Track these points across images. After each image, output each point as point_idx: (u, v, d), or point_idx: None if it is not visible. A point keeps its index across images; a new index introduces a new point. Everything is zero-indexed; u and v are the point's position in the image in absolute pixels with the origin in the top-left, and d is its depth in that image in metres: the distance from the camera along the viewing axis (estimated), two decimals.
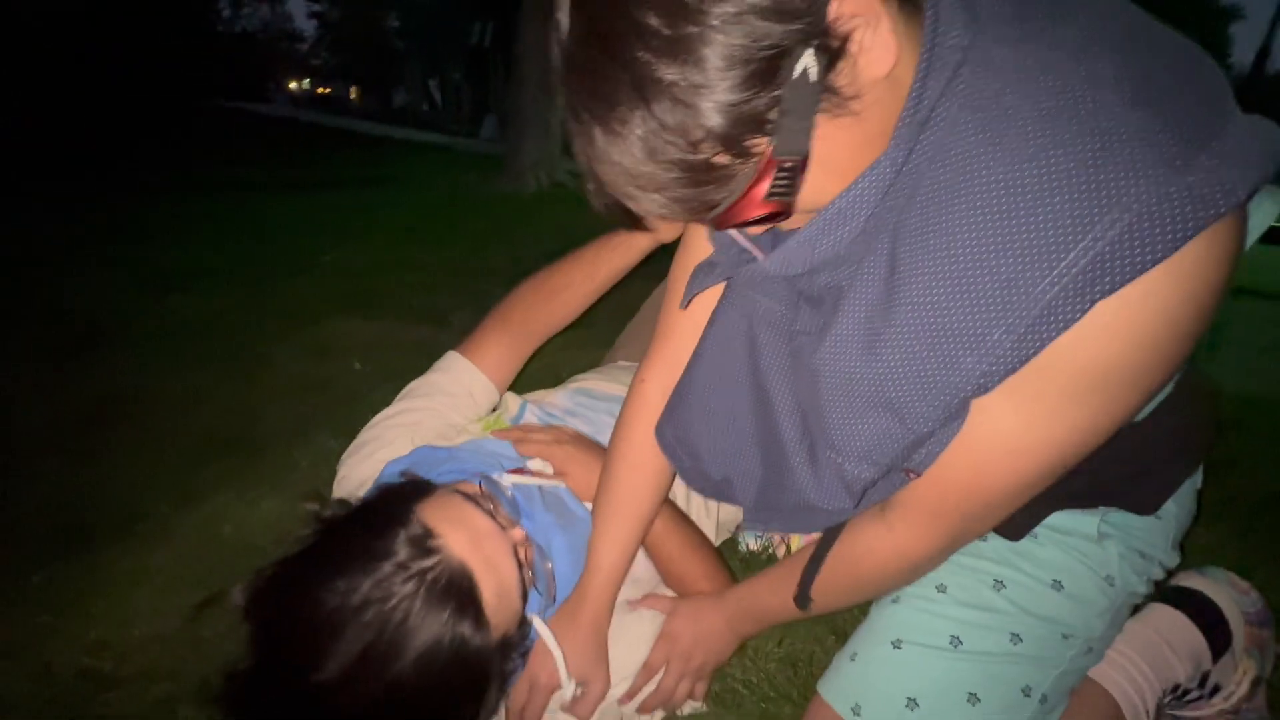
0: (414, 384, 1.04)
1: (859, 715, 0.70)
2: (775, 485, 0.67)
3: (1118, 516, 0.73)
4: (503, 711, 0.79)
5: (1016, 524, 0.67)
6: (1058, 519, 0.71)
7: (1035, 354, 0.45)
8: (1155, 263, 0.41)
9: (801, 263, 0.53)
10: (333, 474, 0.96)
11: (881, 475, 0.57)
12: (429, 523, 0.66)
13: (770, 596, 0.79)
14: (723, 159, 0.42)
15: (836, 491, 0.60)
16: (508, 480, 0.82)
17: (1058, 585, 0.71)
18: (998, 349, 0.45)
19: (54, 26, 14.35)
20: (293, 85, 32.15)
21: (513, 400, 1.08)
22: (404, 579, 0.61)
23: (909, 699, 0.68)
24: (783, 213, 0.47)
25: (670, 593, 0.92)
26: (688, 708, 0.87)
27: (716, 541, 1.08)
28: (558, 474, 0.91)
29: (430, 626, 0.61)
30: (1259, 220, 0.50)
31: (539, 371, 1.12)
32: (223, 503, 1.22)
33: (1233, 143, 0.41)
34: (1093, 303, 0.42)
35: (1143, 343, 0.45)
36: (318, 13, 26.25)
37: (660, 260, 1.10)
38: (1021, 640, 0.69)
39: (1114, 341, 0.44)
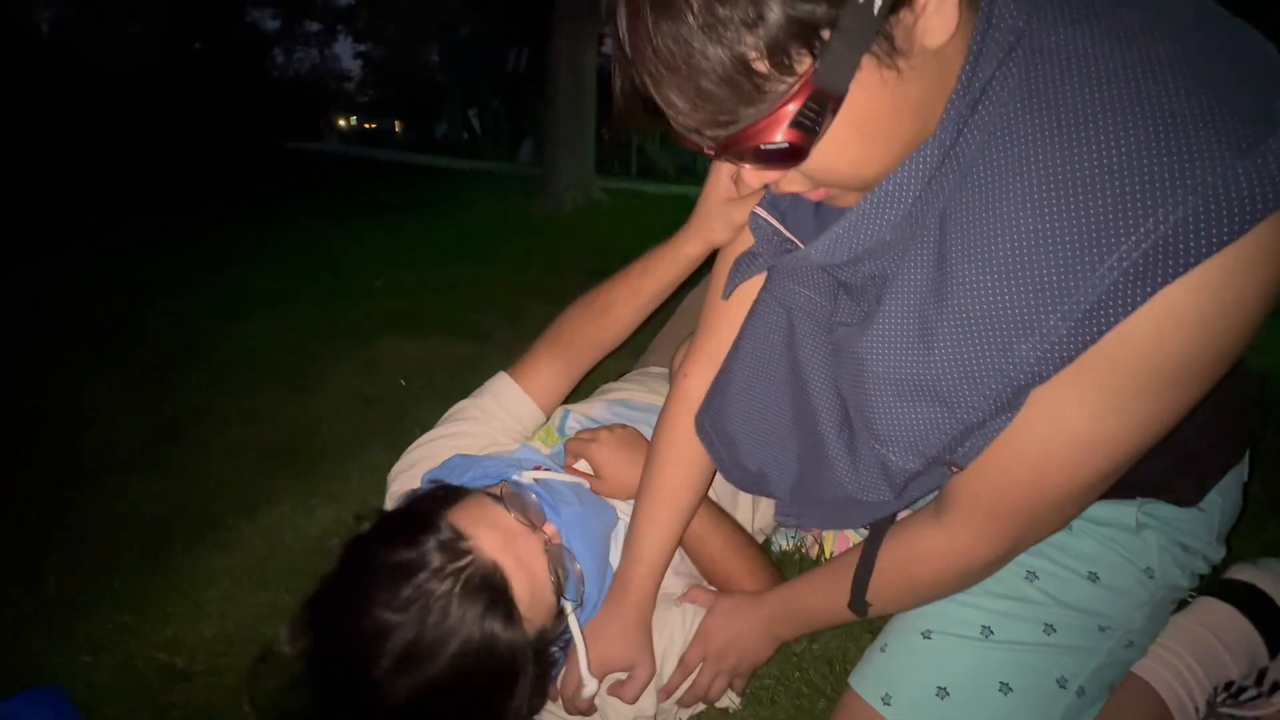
0: (462, 404, 1.04)
1: (889, 705, 0.69)
2: (812, 478, 0.66)
3: (1157, 508, 0.71)
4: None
5: None
6: (1095, 510, 0.69)
7: (1093, 341, 0.43)
8: (1222, 247, 0.39)
9: (847, 249, 0.52)
10: (383, 483, 1.00)
11: (926, 467, 0.55)
12: (459, 526, 0.68)
13: (812, 598, 0.77)
14: (762, 65, 0.40)
15: (877, 483, 0.58)
16: (528, 478, 0.83)
17: (1093, 577, 0.69)
18: (1054, 335, 0.44)
19: (133, 84, 15.50)
20: (341, 122, 33.60)
21: (556, 409, 1.09)
22: (440, 580, 0.63)
23: (939, 688, 0.67)
24: (799, 154, 0.44)
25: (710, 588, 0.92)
26: (724, 703, 0.87)
27: None
28: (595, 473, 0.92)
29: (467, 623, 0.63)
30: None
31: None
32: (283, 512, 1.29)
33: None
34: (1155, 289, 0.41)
35: (1211, 331, 0.43)
36: (363, 52, 27.49)
37: (700, 271, 1.11)
38: (1055, 631, 0.67)
39: (1181, 330, 0.42)
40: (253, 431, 1.63)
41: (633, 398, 1.13)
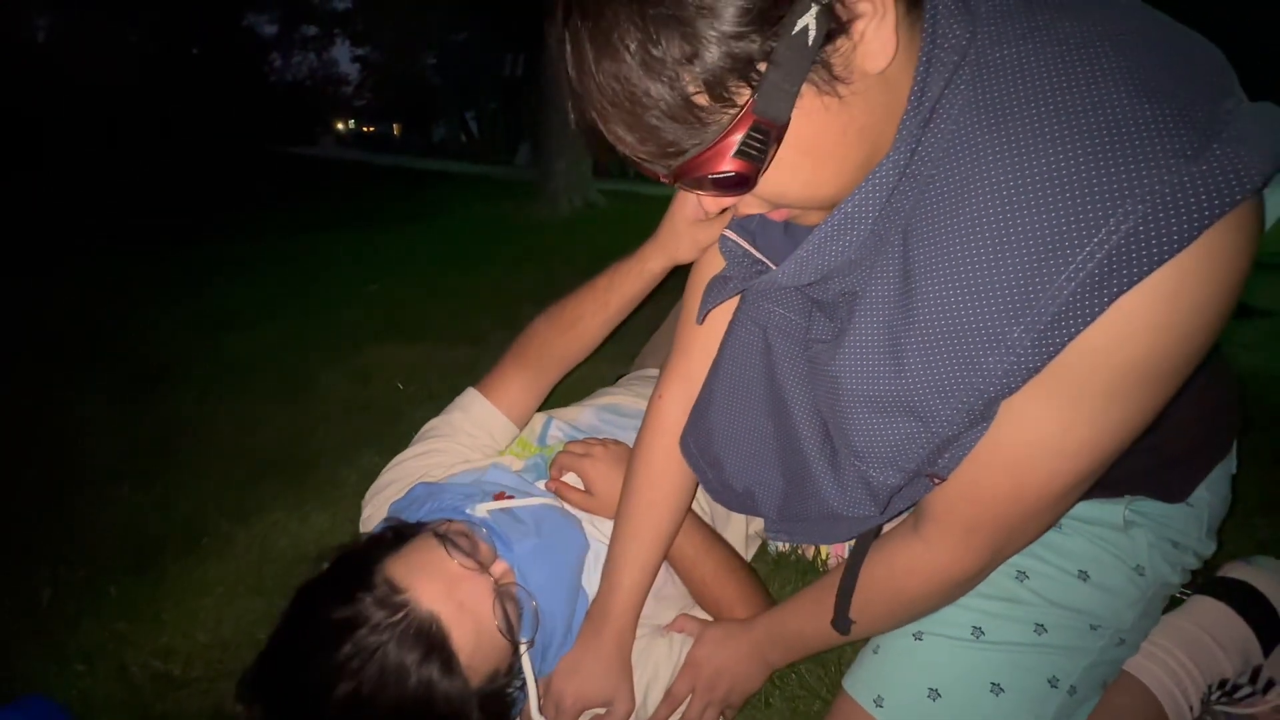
0: (433, 423, 1.05)
1: (881, 706, 0.69)
2: (798, 495, 0.66)
3: (1145, 505, 0.71)
4: None
5: None
6: (1082, 508, 0.69)
7: (1057, 351, 0.44)
8: (1174, 253, 0.40)
9: (813, 270, 0.53)
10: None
11: (907, 481, 0.56)
12: (397, 577, 0.68)
13: (800, 622, 0.76)
14: (703, 99, 0.41)
15: (861, 499, 0.58)
16: (483, 510, 0.81)
17: (1084, 575, 0.69)
18: (1018, 348, 0.44)
19: (130, 91, 15.53)
20: (339, 126, 33.66)
21: (537, 418, 1.09)
22: (377, 635, 0.64)
23: (931, 689, 0.68)
24: (747, 181, 0.45)
25: (701, 613, 0.90)
26: None
27: (749, 551, 1.08)
28: (586, 489, 0.91)
29: (403, 676, 0.63)
30: (1276, 204, 0.49)
31: (564, 384, 1.15)
32: (277, 519, 1.29)
33: (1244, 129, 0.40)
34: (1112, 298, 0.42)
35: (1173, 335, 0.43)
36: (360, 56, 27.53)
37: (681, 276, 1.11)
38: (1046, 631, 0.68)
39: (1143, 335, 0.43)
40: (245, 438, 1.63)
41: (622, 403, 1.13)
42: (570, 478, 0.94)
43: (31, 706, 0.82)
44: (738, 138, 0.42)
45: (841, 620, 0.69)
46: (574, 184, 5.54)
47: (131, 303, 2.88)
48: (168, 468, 1.51)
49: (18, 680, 0.94)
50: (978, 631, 0.68)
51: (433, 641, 0.65)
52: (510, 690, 0.74)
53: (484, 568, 0.72)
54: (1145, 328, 0.43)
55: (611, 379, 1.40)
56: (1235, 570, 0.84)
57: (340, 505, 1.32)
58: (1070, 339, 0.44)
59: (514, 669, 0.73)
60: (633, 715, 0.80)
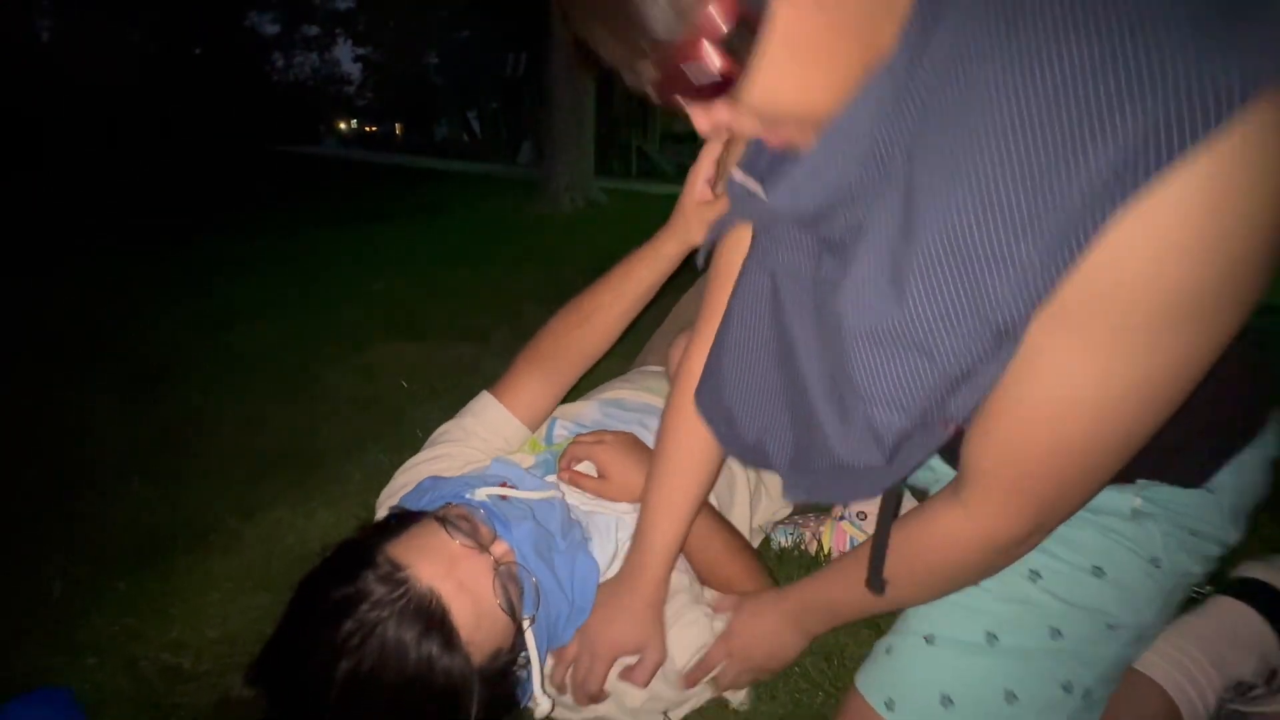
0: (446, 426, 1.04)
1: (892, 710, 0.67)
2: (806, 445, 0.63)
3: (1158, 492, 0.65)
4: (552, 682, 0.81)
5: None
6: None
7: (1068, 269, 0.40)
8: (1198, 142, 0.35)
9: (810, 195, 0.49)
10: (382, 484, 1.01)
11: (915, 425, 0.52)
12: (398, 556, 0.69)
13: (833, 589, 0.75)
14: None
15: (866, 445, 0.54)
16: (482, 494, 0.83)
17: (1098, 571, 0.65)
18: (1026, 267, 0.40)
19: (133, 91, 15.57)
20: (341, 126, 33.68)
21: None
22: (379, 610, 0.65)
23: (944, 696, 0.66)
24: (730, 80, 0.42)
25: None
26: (733, 698, 0.87)
27: (754, 544, 1.08)
28: (600, 475, 0.92)
29: (404, 652, 0.64)
30: None
31: None
32: (283, 515, 1.30)
33: (1276, 15, 0.35)
34: (1126, 202, 0.37)
35: (1215, 257, 0.38)
36: (362, 55, 27.54)
37: (686, 277, 1.12)
38: (1062, 635, 0.64)
39: (1180, 258, 0.38)
40: (250, 435, 1.64)
41: (626, 398, 1.13)
42: (584, 466, 0.95)
43: (47, 699, 0.83)
44: (718, 27, 0.40)
45: (876, 579, 0.66)
46: (576, 182, 5.54)
47: (132, 301, 2.90)
48: (173, 464, 1.52)
49: (32, 673, 0.95)
50: (991, 637, 0.66)
51: (432, 617, 0.66)
52: (516, 669, 0.74)
53: (484, 547, 0.73)
54: (1180, 249, 0.38)
55: (612, 376, 1.40)
56: (1254, 570, 0.82)
57: (345, 502, 1.33)
58: (1081, 252, 0.39)
59: (517, 647, 0.74)
60: (662, 670, 0.81)
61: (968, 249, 0.42)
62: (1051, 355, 0.45)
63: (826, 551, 1.15)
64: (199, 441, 1.63)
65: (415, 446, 1.06)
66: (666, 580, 0.84)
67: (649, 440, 0.96)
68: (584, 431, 1.04)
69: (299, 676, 0.67)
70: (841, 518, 1.17)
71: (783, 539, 1.18)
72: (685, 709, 0.85)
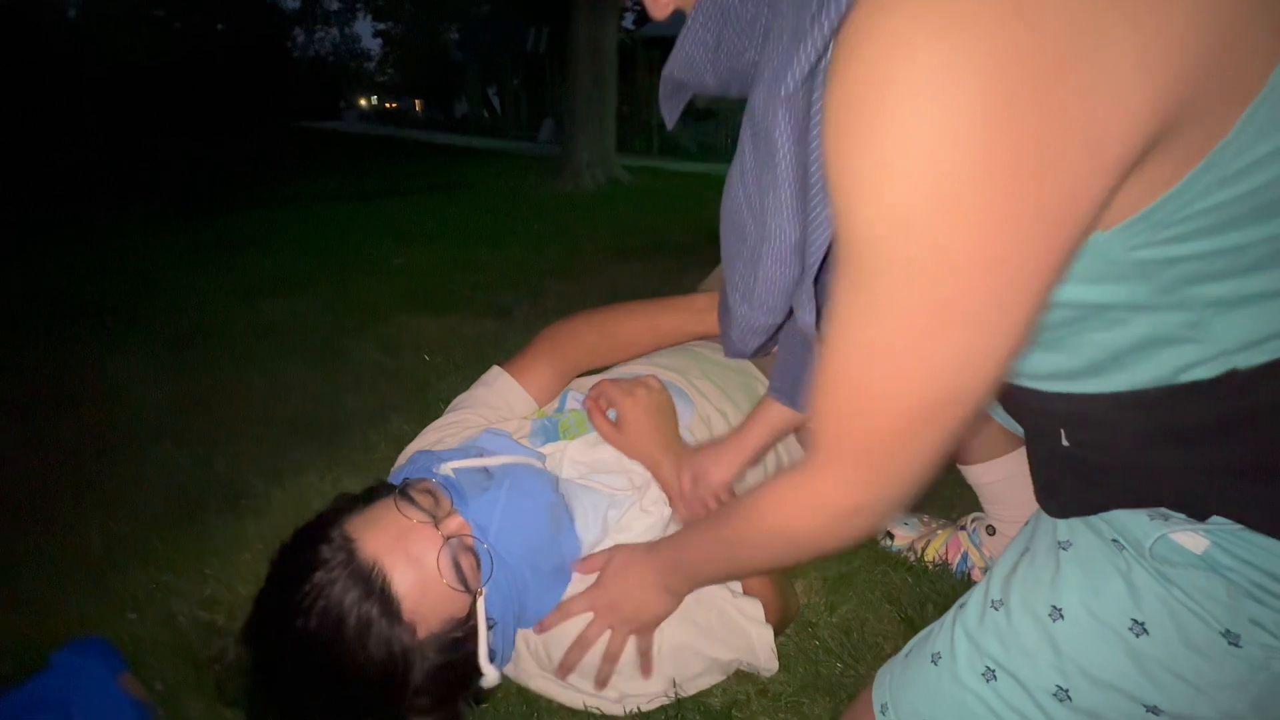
0: (460, 398, 1.06)
1: (885, 717, 0.66)
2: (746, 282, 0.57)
3: (1240, 536, 0.45)
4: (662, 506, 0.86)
5: (1061, 501, 0.56)
6: (1127, 521, 0.50)
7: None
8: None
9: (700, 44, 0.47)
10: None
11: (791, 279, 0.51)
12: (349, 530, 0.73)
13: (694, 550, 0.73)
14: None
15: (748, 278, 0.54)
16: (446, 469, 0.84)
17: (1138, 628, 0.50)
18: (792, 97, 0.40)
19: (158, 69, 15.72)
20: (362, 102, 33.73)
21: None
22: (325, 576, 0.70)
23: None
24: None
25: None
26: (630, 672, 0.82)
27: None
28: (619, 424, 0.92)
29: (344, 612, 0.69)
30: None
31: None
32: (311, 480, 1.33)
33: None
34: (833, 31, 0.34)
35: (933, 130, 0.30)
36: (383, 31, 27.44)
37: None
38: (1071, 699, 0.53)
39: (894, 176, 0.32)
40: (277, 403, 1.68)
41: (641, 372, 1.12)
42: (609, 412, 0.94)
43: (89, 647, 0.87)
44: None
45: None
46: (598, 159, 5.52)
47: (161, 272, 2.95)
48: (204, 429, 1.56)
49: (75, 624, 0.99)
50: (990, 675, 0.58)
51: (372, 583, 0.70)
52: (463, 635, 0.75)
53: (437, 521, 0.75)
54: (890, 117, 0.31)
55: None
56: None
57: (370, 469, 1.36)
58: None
59: (471, 620, 0.76)
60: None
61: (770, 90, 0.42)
62: (834, 307, 0.41)
63: (930, 559, 1.09)
64: (228, 407, 1.67)
65: (437, 417, 1.07)
66: (768, 444, 0.86)
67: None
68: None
69: (265, 633, 0.74)
70: (963, 527, 1.09)
71: (899, 530, 1.13)
72: (700, 684, 0.85)
